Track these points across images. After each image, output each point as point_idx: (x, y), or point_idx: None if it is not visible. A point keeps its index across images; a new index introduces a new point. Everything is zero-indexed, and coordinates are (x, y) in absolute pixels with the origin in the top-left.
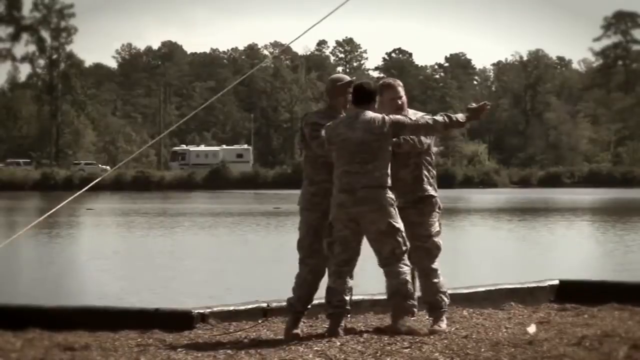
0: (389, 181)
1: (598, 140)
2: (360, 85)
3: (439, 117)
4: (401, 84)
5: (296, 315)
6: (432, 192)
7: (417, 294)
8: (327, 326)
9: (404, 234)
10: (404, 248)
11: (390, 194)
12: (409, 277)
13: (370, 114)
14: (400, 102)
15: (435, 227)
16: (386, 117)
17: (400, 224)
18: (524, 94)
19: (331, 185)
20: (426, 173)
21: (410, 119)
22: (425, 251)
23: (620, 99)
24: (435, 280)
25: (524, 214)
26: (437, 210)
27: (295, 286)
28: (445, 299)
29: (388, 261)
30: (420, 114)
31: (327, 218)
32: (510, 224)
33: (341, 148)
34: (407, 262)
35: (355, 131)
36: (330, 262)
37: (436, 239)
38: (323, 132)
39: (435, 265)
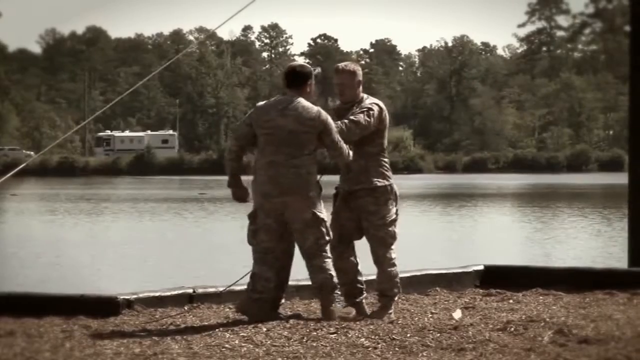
0: (316, 173)
1: (523, 126)
2: (291, 68)
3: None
4: (352, 69)
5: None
6: (385, 182)
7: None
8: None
9: (327, 225)
10: (327, 238)
11: (317, 186)
12: (333, 271)
13: (303, 102)
14: (341, 89)
15: (391, 216)
16: (322, 114)
17: (324, 215)
18: (449, 80)
19: None
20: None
21: (338, 126)
22: (379, 240)
23: (545, 85)
24: (389, 269)
25: (450, 199)
26: (392, 197)
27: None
28: (396, 289)
29: (311, 252)
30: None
31: None
32: (435, 209)
33: (271, 134)
34: (329, 254)
35: (286, 118)
36: (254, 250)
37: (390, 228)
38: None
39: (389, 255)
